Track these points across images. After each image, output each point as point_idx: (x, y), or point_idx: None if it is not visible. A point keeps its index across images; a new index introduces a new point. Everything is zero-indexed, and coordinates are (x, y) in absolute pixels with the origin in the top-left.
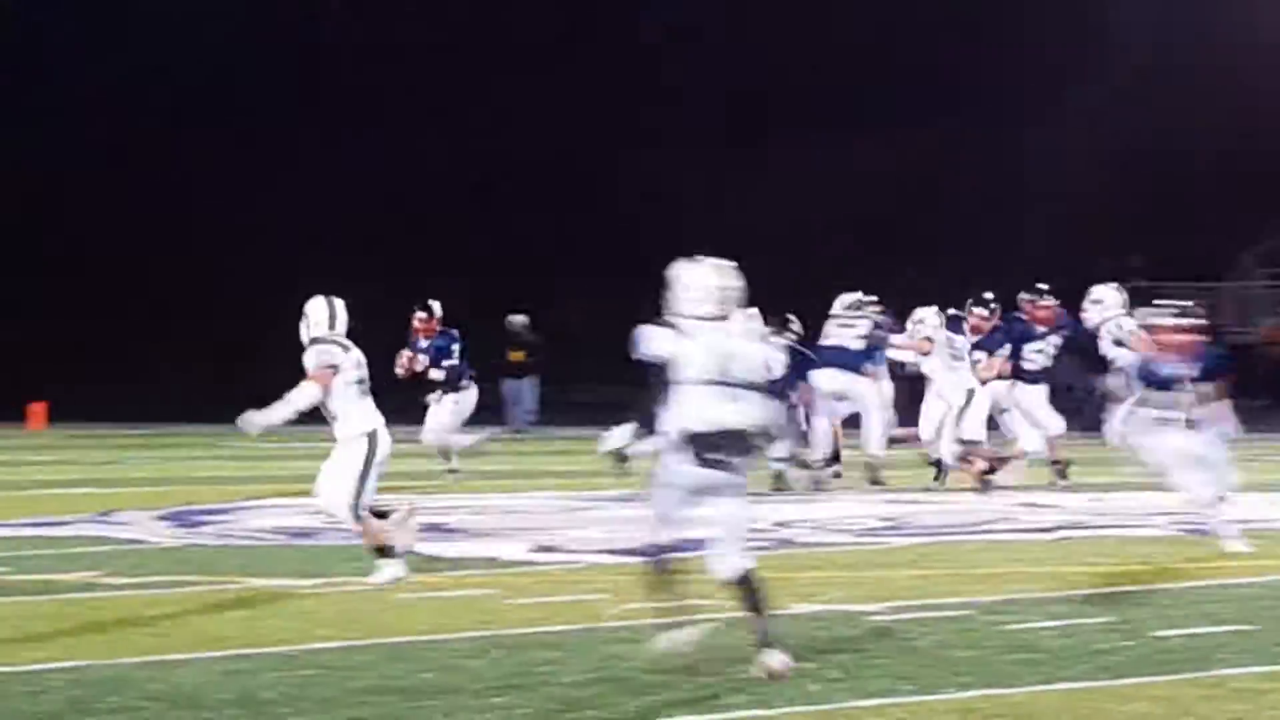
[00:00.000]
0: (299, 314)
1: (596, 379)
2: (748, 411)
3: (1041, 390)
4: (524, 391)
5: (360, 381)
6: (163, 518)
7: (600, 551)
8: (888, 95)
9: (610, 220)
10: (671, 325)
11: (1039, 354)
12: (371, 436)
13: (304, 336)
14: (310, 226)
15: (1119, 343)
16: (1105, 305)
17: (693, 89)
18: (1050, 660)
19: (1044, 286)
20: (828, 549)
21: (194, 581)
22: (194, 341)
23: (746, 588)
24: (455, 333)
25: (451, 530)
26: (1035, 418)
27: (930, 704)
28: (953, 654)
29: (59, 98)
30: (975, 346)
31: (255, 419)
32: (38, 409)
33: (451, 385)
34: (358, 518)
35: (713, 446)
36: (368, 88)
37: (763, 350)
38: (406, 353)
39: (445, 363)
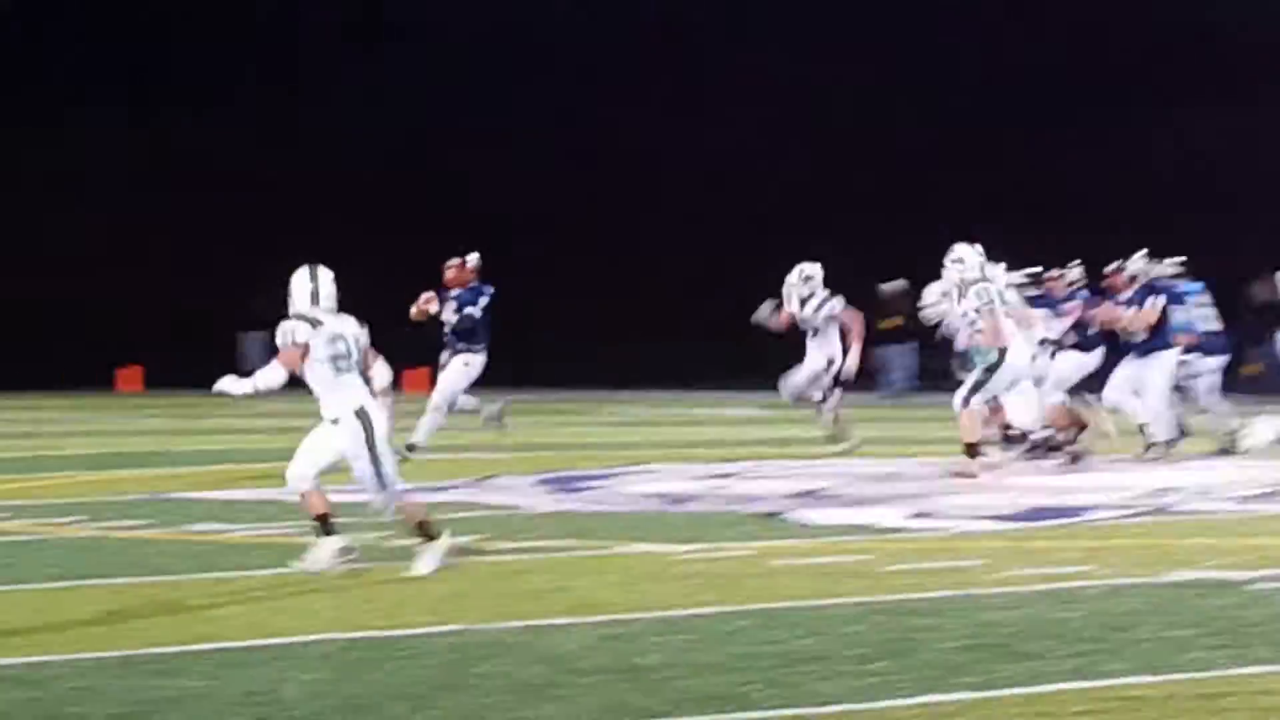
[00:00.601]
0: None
1: None
2: None
3: None
4: (896, 358)
5: (336, 358)
6: (542, 483)
7: (976, 518)
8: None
9: (987, 186)
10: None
11: None
12: (360, 414)
13: (289, 311)
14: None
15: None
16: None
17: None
18: None
19: None
20: (1208, 515)
21: (572, 547)
22: (573, 308)
23: None
24: (488, 288)
25: (828, 497)
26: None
27: None
28: None
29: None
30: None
31: (226, 384)
32: (416, 375)
33: (465, 344)
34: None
35: None
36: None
37: None
38: (428, 294)
39: (465, 310)
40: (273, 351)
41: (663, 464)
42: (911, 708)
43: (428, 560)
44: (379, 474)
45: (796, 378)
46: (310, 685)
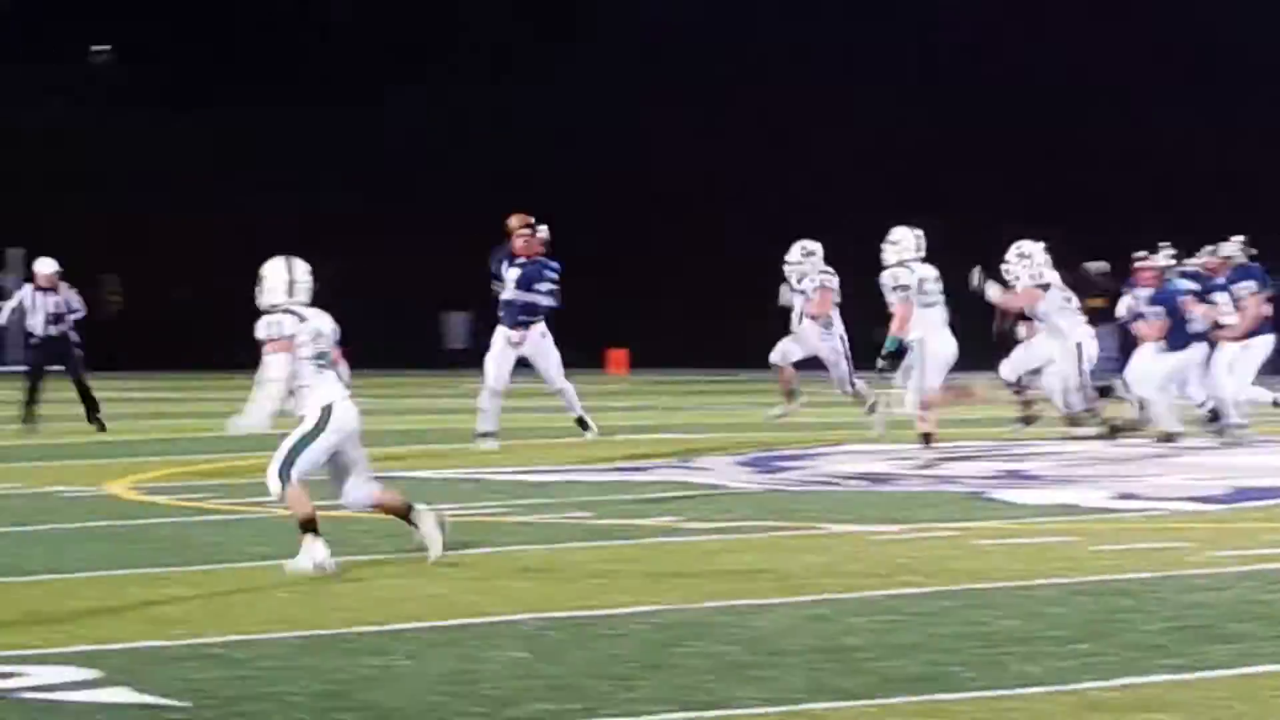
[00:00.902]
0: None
1: None
2: None
3: None
4: (1102, 338)
5: (319, 355)
6: (743, 463)
7: (1182, 499)
8: None
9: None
10: None
11: None
12: (326, 410)
13: (259, 302)
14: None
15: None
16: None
17: None
18: None
19: None
20: None
21: (774, 527)
22: (769, 289)
23: None
24: (555, 266)
25: (1032, 477)
26: None
27: None
28: None
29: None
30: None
31: (239, 423)
32: (618, 355)
33: (527, 316)
34: (284, 482)
35: None
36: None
37: None
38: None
39: (536, 286)
40: (474, 331)
41: (865, 444)
42: (1115, 689)
43: (305, 557)
44: (292, 454)
45: (790, 347)
46: (510, 665)
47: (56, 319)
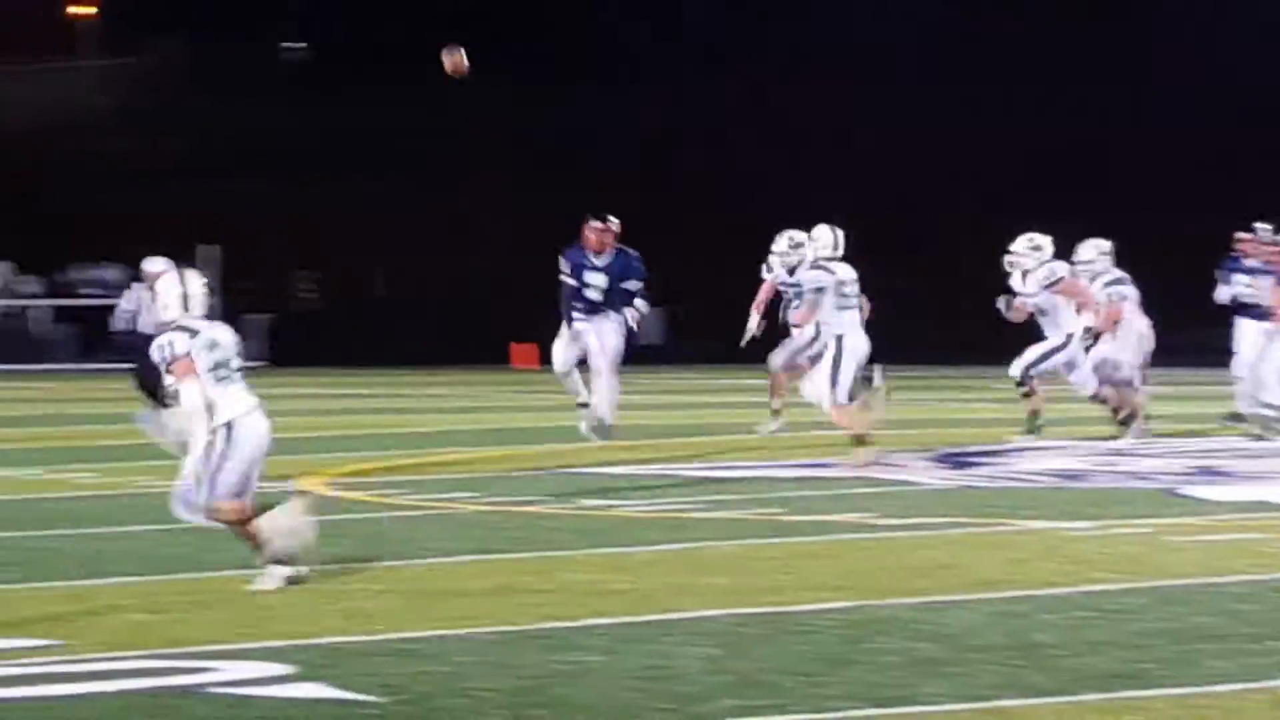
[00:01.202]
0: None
1: None
2: None
3: None
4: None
5: (216, 367)
6: (934, 459)
7: None
8: None
9: None
10: None
11: None
12: (229, 427)
13: (155, 319)
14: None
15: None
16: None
17: None
18: None
19: None
20: None
21: (965, 523)
22: (960, 281)
23: None
24: (636, 255)
25: (1224, 474)
26: None
27: None
28: None
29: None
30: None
31: (163, 425)
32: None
33: (609, 307)
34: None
35: None
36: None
37: None
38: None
39: (625, 283)
40: (669, 326)
41: (1056, 440)
42: None
43: (266, 580)
44: (211, 481)
45: (790, 348)
46: (701, 661)
47: None
